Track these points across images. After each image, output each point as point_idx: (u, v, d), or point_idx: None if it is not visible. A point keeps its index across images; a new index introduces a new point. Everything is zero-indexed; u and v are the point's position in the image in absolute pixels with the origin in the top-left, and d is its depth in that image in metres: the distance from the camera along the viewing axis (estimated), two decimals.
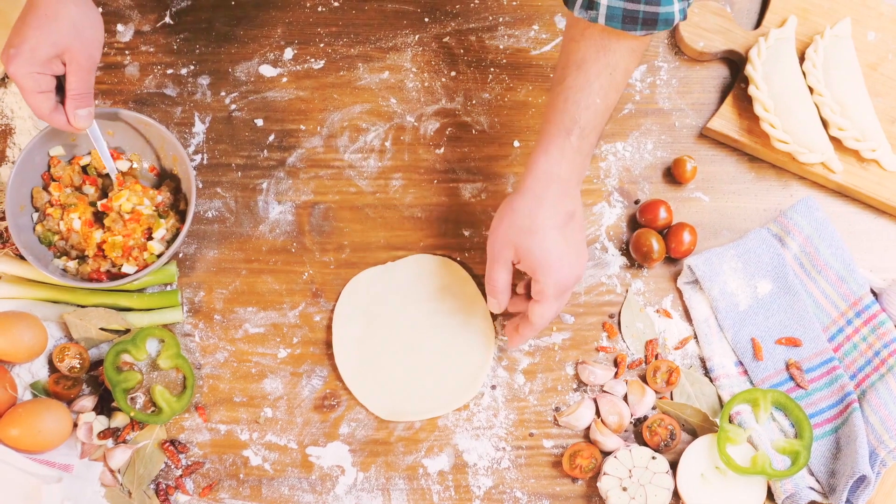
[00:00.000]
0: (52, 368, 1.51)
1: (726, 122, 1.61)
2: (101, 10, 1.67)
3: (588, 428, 1.51)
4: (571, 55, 1.39)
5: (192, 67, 1.66)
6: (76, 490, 1.45)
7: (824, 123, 1.59)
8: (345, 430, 1.52)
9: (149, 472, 1.48)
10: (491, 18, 1.69)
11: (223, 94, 1.64)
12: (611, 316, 1.56)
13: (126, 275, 1.50)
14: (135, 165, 1.56)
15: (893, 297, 1.52)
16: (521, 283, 1.48)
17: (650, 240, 1.54)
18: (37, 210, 1.54)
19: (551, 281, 1.39)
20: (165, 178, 1.57)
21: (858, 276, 1.54)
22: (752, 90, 1.59)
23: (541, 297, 1.40)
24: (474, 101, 1.65)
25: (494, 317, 1.55)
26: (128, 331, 1.52)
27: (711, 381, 1.53)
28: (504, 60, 1.67)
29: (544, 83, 1.65)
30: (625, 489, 1.45)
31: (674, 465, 1.48)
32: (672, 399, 1.52)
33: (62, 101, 1.43)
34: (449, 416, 1.52)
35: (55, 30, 1.39)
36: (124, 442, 1.49)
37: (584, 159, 1.41)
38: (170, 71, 1.65)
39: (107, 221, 1.50)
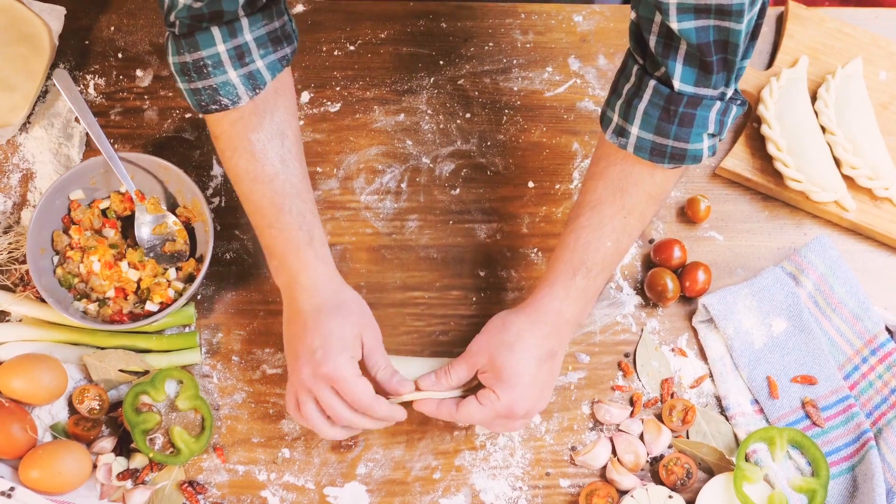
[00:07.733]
0: (72, 410, 1.52)
1: (739, 161, 1.62)
2: (119, 55, 1.70)
3: (604, 467, 1.51)
4: (588, 194, 1.40)
5: None
6: None
7: (837, 162, 1.60)
8: (362, 470, 1.52)
9: None
10: (505, 61, 1.70)
11: None
12: (626, 355, 1.57)
13: (147, 314, 1.52)
14: None
15: None
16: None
17: (665, 279, 1.55)
18: (57, 253, 1.55)
19: (506, 401, 1.36)
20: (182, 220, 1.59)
21: (873, 314, 1.54)
22: (764, 130, 1.60)
23: (485, 405, 1.37)
24: (489, 143, 1.66)
25: None
26: (146, 372, 1.53)
27: (727, 419, 1.53)
28: (518, 102, 1.68)
29: (558, 124, 1.67)
30: None
31: None
32: (688, 438, 1.52)
33: None
34: (466, 455, 1.52)
35: (348, 311, 1.37)
36: (143, 483, 1.49)
37: (589, 300, 1.41)
38: (188, 115, 1.67)
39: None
